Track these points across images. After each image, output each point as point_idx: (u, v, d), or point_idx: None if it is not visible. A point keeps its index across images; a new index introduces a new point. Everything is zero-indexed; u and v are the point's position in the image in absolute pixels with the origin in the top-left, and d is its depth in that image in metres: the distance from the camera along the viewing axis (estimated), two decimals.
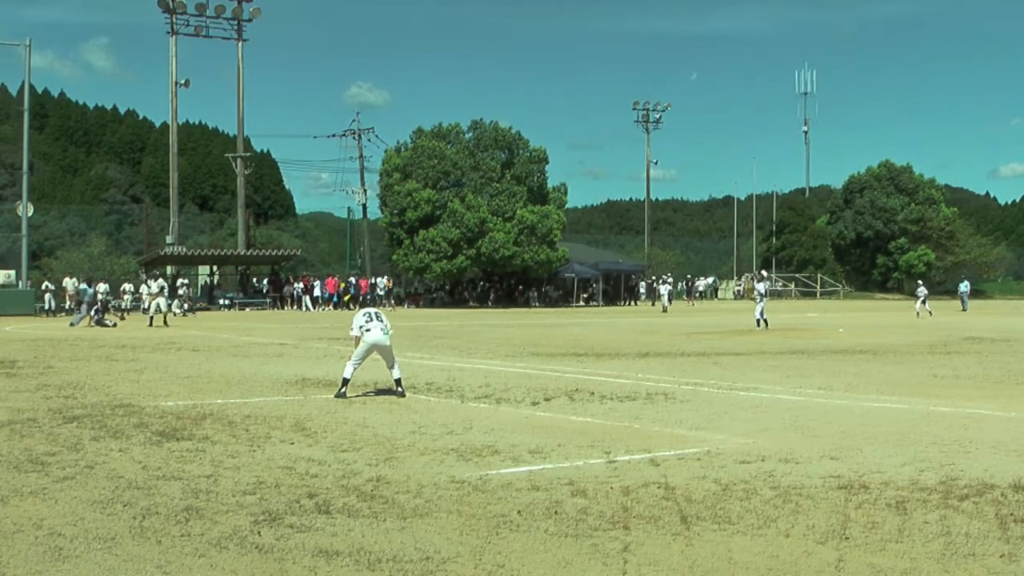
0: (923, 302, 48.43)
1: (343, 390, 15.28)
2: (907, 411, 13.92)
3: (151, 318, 38.28)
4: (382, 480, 9.04)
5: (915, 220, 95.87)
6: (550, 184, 68.18)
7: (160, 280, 41.21)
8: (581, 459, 10.13)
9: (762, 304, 36.34)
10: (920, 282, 53.82)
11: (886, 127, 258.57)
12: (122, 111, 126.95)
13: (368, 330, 15.30)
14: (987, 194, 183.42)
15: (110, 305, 42.56)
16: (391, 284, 66.90)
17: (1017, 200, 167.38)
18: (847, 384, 17.45)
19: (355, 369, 15.47)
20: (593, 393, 15.83)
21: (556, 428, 12.29)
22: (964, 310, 56.42)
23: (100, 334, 32.91)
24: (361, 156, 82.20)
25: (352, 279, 65.59)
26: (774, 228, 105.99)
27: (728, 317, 46.83)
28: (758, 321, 35.54)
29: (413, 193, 62.08)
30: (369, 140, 75.21)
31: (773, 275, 43.06)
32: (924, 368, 20.65)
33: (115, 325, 37.55)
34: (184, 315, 47.05)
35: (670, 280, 69.83)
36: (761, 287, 38.67)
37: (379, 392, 15.77)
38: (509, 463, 9.94)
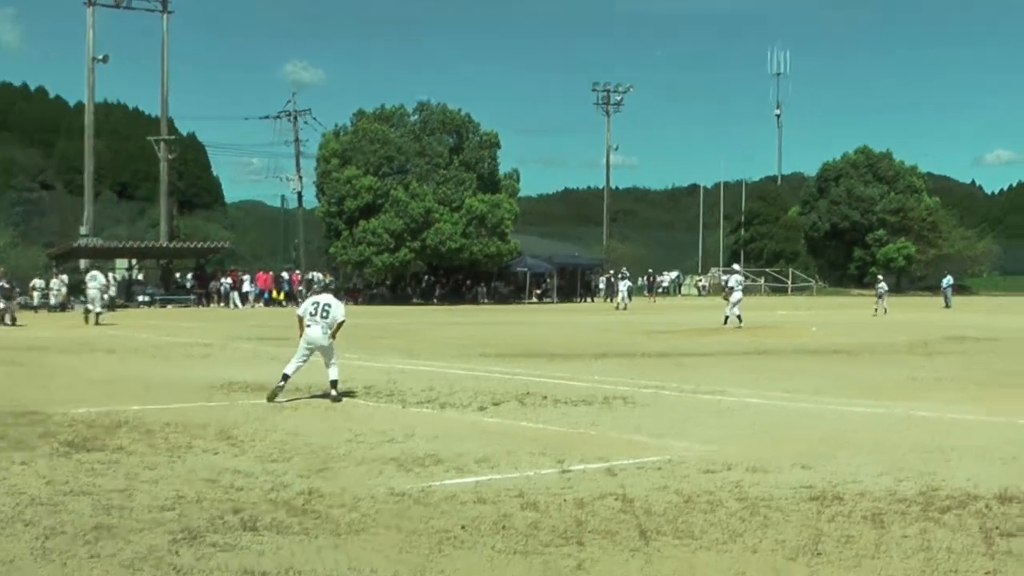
0: (880, 297, 48.78)
1: (281, 384, 15.35)
2: (884, 416, 14.02)
3: (94, 314, 37.97)
4: (314, 493, 8.96)
5: (895, 210, 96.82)
6: (502, 171, 68.18)
7: (99, 275, 40.64)
8: (532, 469, 10.10)
9: (736, 299, 35.53)
10: (880, 277, 54.03)
11: (864, 111, 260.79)
12: (32, 89, 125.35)
13: (308, 325, 15.41)
14: (972, 183, 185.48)
15: (15, 302, 41.90)
16: (328, 279, 66.55)
17: (1004, 189, 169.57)
18: (820, 387, 17.55)
19: (297, 367, 15.55)
20: (546, 397, 15.81)
21: (505, 435, 12.26)
22: (947, 307, 57.05)
23: (5, 334, 32.43)
24: (297, 140, 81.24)
25: (285, 274, 65.20)
26: (743, 219, 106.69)
27: (692, 315, 47.03)
28: (727, 318, 35.22)
29: (353, 180, 61.83)
30: (305, 123, 74.38)
31: (740, 267, 42.82)
32: (903, 369, 20.84)
33: (17, 322, 37.05)
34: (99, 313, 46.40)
35: (628, 275, 70.06)
36: (733, 280, 37.64)
37: (313, 396, 15.68)
38: (454, 473, 9.91)
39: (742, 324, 34.63)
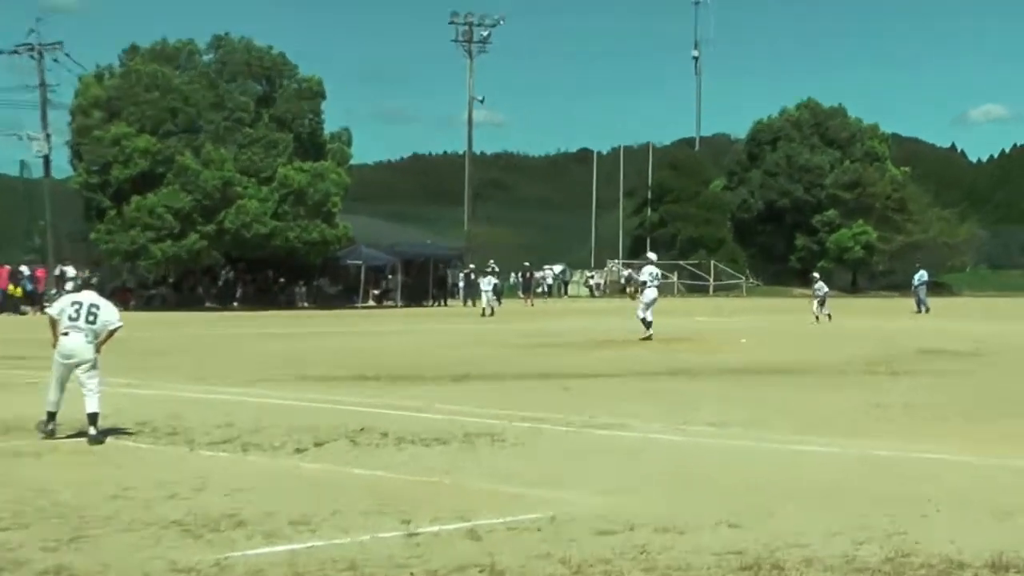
0: (821, 303, 49.15)
1: (50, 426, 15.25)
2: (838, 456, 14.22)
3: None
4: (64, 571, 8.78)
5: (850, 184, 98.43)
6: (327, 130, 68.03)
7: None
8: (367, 532, 10.06)
9: (649, 299, 35.32)
10: (817, 275, 54.44)
11: (810, 56, 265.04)
12: None
13: (66, 333, 15.23)
14: (952, 147, 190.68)
15: None
16: (88, 274, 65.38)
17: (994, 156, 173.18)
18: (752, 418, 17.75)
19: (59, 394, 15.37)
20: (387, 434, 15.78)
21: (331, 486, 12.23)
22: (920, 311, 58.14)
23: None
24: (43, 85, 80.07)
25: (25, 268, 63.76)
26: (649, 195, 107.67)
27: (583, 322, 47.33)
28: (646, 323, 34.81)
29: (123, 141, 61.01)
30: (56, 61, 73.31)
31: (654, 256, 42.20)
32: (862, 394, 21.17)
33: None
34: None
35: (497, 270, 70.34)
36: (645, 273, 37.01)
37: (67, 437, 15.43)
38: (260, 540, 9.81)
39: (651, 334, 34.71)
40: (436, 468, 13.34)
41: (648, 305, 35.37)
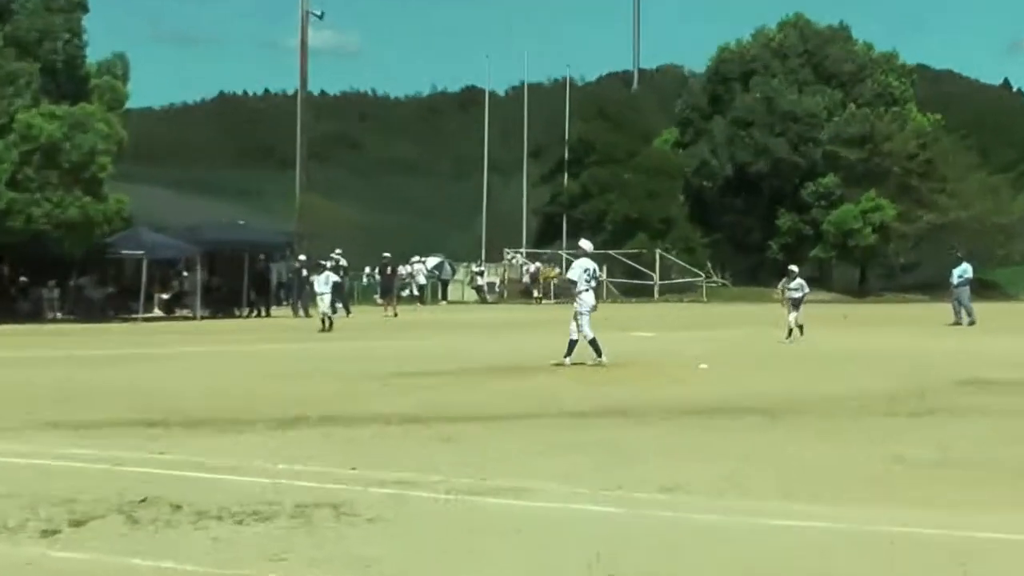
0: (795, 306, 48.19)
1: None
2: (840, 535, 14.22)
3: None
4: None
5: (857, 139, 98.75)
6: (92, 59, 67.79)
7: None
8: None
9: (587, 308, 35.35)
10: (795, 268, 53.06)
11: None
12: None
13: None
14: (1005, 84, 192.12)
15: None
16: None
17: None
18: (717, 479, 17.77)
19: None
20: (180, 507, 15.61)
21: None
22: (961, 321, 58.79)
23: None
24: None
25: None
26: (567, 155, 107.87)
27: (472, 338, 47.40)
28: (595, 346, 34.50)
29: None
30: None
31: (590, 245, 40.45)
32: (874, 444, 21.26)
33: None
34: None
35: (343, 263, 70.22)
36: (576, 270, 36.79)
37: None
38: None
39: (570, 358, 34.71)
40: (254, 556, 13.20)
41: (586, 313, 35.40)
